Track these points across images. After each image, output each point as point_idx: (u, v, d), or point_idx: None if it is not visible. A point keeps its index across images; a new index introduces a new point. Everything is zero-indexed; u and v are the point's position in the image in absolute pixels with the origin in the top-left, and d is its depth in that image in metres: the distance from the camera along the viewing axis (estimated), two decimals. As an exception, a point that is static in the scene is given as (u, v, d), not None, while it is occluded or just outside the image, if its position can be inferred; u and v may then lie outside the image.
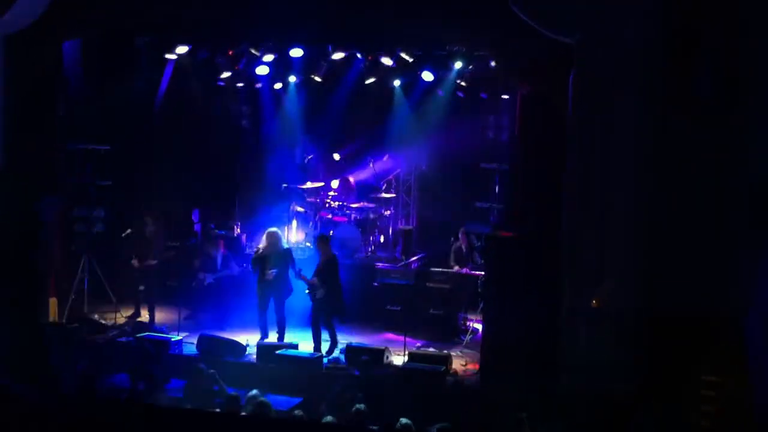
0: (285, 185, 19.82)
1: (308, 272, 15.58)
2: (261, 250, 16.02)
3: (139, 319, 17.00)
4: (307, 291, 15.58)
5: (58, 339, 15.25)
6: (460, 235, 17.86)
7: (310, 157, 20.67)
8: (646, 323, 11.73)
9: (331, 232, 19.16)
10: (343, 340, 16.06)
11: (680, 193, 11.74)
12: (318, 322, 15.42)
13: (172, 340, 15.41)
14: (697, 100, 11.58)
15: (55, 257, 16.53)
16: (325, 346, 15.51)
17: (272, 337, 15.90)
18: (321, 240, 15.99)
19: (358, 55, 18.21)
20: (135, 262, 17.04)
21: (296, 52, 17.71)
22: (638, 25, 11.91)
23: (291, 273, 15.78)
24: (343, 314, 15.68)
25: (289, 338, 15.83)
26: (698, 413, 11.54)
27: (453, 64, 17.37)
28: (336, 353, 15.46)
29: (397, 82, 19.04)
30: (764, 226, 11.06)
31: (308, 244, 18.91)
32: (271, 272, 15.69)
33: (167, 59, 18.53)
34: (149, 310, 17.12)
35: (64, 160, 16.96)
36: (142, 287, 17.19)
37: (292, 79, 19.52)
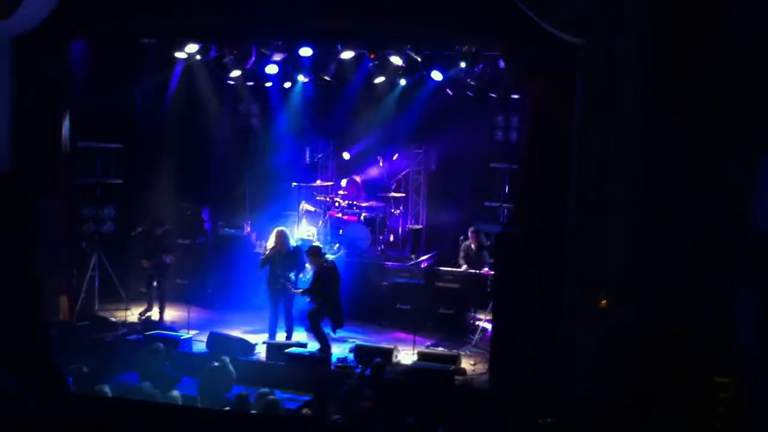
0: (294, 184, 19.87)
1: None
2: (270, 250, 16.06)
3: (148, 315, 17.07)
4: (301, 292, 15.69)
5: (67, 337, 15.35)
6: (469, 234, 17.88)
7: (319, 155, 20.72)
8: (646, 329, 11.74)
9: (341, 231, 19.22)
10: (351, 339, 16.14)
11: (675, 203, 11.77)
12: (310, 328, 15.37)
13: (182, 338, 15.48)
14: (690, 110, 11.62)
15: (63, 256, 16.60)
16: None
17: (280, 337, 15.96)
18: (310, 253, 15.72)
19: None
20: (144, 262, 17.11)
21: (305, 51, 17.73)
22: (630, 31, 11.95)
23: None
24: (340, 325, 15.60)
25: (297, 338, 15.88)
26: (708, 416, 11.54)
27: (462, 63, 17.37)
28: (345, 352, 15.51)
29: (406, 82, 19.02)
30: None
31: (316, 242, 18.93)
32: (291, 278, 15.77)
33: (176, 58, 18.57)
34: (159, 308, 17.19)
35: (72, 159, 17.00)
36: (155, 283, 17.25)
37: (302, 78, 19.53)
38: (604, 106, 12.20)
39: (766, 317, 10.30)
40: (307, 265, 15.97)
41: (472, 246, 17.74)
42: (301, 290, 15.58)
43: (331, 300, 15.38)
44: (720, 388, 11.47)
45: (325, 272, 15.39)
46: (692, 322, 11.09)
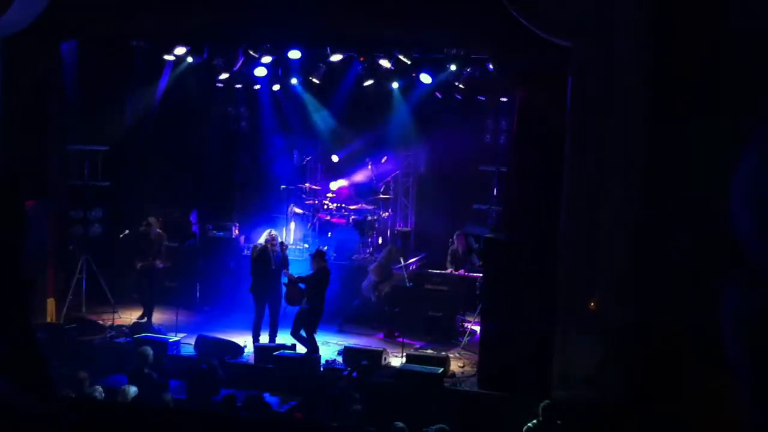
0: (283, 186, 19.81)
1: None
2: (259, 251, 16.00)
3: (139, 320, 17.00)
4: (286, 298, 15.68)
5: (54, 340, 15.26)
6: (455, 238, 17.86)
7: (308, 158, 20.68)
8: (646, 329, 11.75)
9: (329, 233, 19.19)
10: (340, 341, 16.10)
11: (675, 203, 11.79)
12: (297, 332, 15.29)
13: (170, 340, 15.41)
14: (690, 110, 11.64)
15: (50, 258, 16.53)
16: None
17: (263, 340, 15.89)
18: (317, 256, 15.69)
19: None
20: (138, 264, 17.01)
21: (294, 54, 17.71)
22: (630, 32, 11.97)
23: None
24: (314, 330, 15.50)
25: (282, 341, 15.81)
26: (707, 416, 11.56)
27: (451, 66, 17.37)
28: (334, 354, 15.48)
29: (395, 85, 19.00)
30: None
31: (305, 245, 18.90)
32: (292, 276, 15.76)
33: (166, 60, 18.52)
34: (148, 311, 17.09)
35: (60, 161, 16.95)
36: (146, 289, 17.17)
37: (291, 80, 19.51)
38: (603, 106, 12.22)
39: (748, 319, 10.30)
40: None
41: (459, 250, 17.72)
42: (296, 277, 15.55)
43: (319, 304, 15.33)
44: (713, 391, 11.48)
45: (321, 275, 15.37)
46: (692, 322, 11.09)
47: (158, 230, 17.14)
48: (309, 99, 20.05)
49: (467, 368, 15.19)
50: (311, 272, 15.46)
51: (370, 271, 17.46)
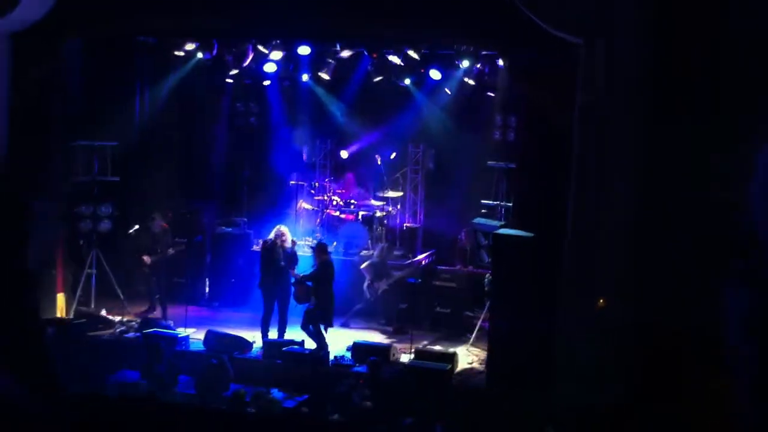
0: (292, 182, 19.84)
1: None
2: (269, 247, 16.04)
3: (152, 315, 17.05)
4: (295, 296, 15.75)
5: (63, 335, 15.34)
6: (463, 235, 17.87)
7: (317, 154, 20.70)
8: (646, 329, 11.75)
9: (338, 229, 19.21)
10: (349, 337, 16.12)
11: (675, 203, 11.79)
12: (307, 327, 15.35)
13: (179, 336, 15.47)
14: (690, 110, 11.63)
15: (60, 254, 16.62)
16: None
17: (272, 335, 15.93)
18: (319, 249, 15.84)
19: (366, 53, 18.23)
20: (146, 259, 17.08)
21: (304, 50, 17.72)
22: (630, 32, 11.97)
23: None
24: (329, 325, 15.56)
25: (291, 337, 15.85)
26: (708, 416, 11.56)
27: (460, 62, 17.36)
28: (342, 350, 15.51)
29: (407, 81, 18.97)
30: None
31: (314, 241, 18.90)
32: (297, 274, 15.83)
33: (175, 56, 18.55)
34: (161, 307, 17.17)
35: (65, 159, 17.00)
36: (153, 282, 17.26)
37: (302, 77, 19.53)
38: (604, 106, 12.22)
39: (755, 316, 10.34)
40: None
41: (468, 246, 17.73)
42: (300, 278, 15.62)
43: (328, 298, 15.38)
44: (712, 392, 11.49)
45: (324, 269, 15.43)
46: (692, 322, 11.09)
47: (162, 224, 17.22)
48: (322, 93, 20.07)
49: (476, 365, 15.21)
50: (314, 267, 15.54)
51: (362, 270, 17.50)
